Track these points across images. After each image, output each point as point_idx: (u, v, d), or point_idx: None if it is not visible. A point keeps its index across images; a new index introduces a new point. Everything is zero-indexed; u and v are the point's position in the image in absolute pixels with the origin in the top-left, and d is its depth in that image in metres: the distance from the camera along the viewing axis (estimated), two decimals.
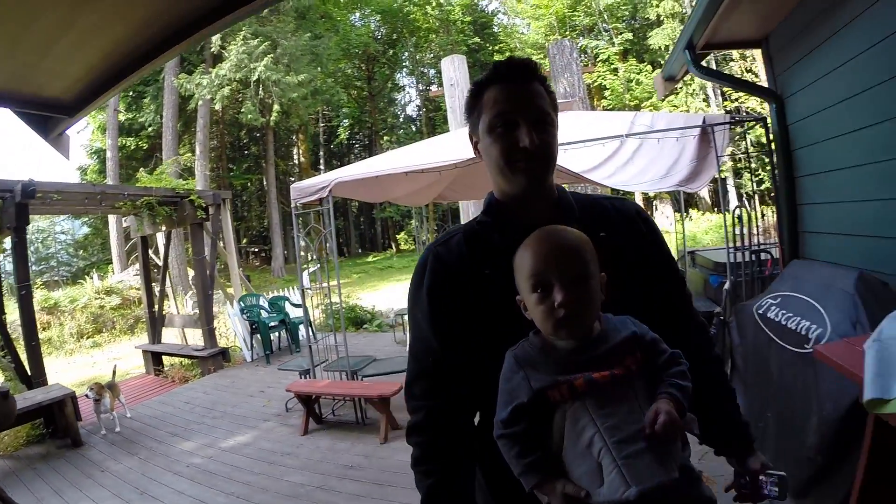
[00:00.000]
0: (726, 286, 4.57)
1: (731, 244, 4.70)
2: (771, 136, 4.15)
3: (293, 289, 10.51)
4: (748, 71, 18.37)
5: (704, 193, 21.39)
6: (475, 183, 7.72)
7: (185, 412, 5.97)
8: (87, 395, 5.30)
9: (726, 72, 17.49)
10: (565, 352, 0.98)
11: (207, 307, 7.98)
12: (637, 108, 21.65)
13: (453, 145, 5.95)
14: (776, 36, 3.84)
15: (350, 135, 34.01)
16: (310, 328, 6.21)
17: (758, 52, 4.55)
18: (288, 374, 6.34)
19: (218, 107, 21.80)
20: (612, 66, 23.40)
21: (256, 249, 31.57)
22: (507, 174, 1.13)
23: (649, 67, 22.66)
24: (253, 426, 5.30)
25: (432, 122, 31.46)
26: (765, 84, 4.21)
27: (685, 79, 5.71)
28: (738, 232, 4.71)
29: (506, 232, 1.15)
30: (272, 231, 25.53)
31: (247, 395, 6.47)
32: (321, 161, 33.01)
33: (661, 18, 21.57)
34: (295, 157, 30.93)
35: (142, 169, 11.56)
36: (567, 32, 25.08)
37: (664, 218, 19.82)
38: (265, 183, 27.07)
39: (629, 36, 24.02)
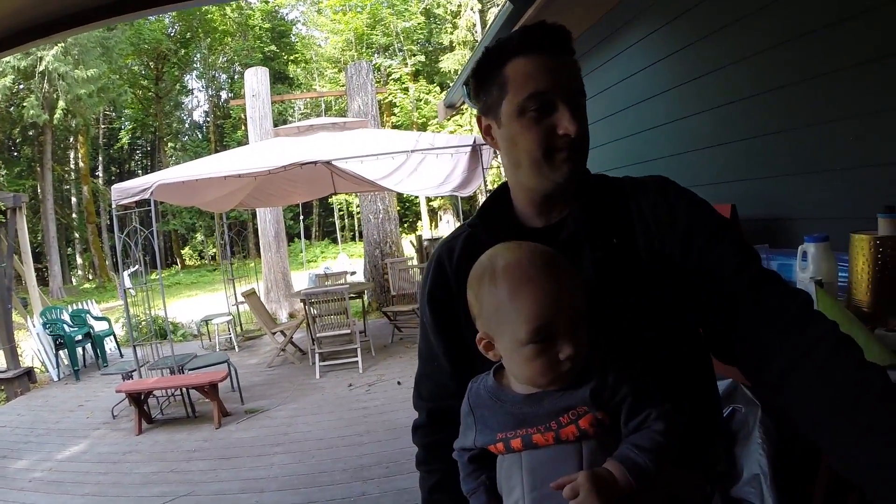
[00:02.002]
0: None
1: None
2: None
3: (91, 301, 9.80)
4: None
5: None
6: (274, 191, 8.27)
7: (5, 435, 5.53)
8: None
9: None
10: (519, 400, 0.82)
11: (7, 324, 7.18)
12: (425, 125, 23.34)
13: (264, 153, 6.54)
14: None
15: (132, 139, 31.00)
16: (132, 331, 6.15)
17: None
18: (107, 383, 6.40)
19: None
20: (404, 86, 24.94)
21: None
22: (544, 168, 0.93)
23: (438, 88, 24.61)
24: (84, 436, 5.17)
25: (220, 129, 29.96)
26: None
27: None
28: None
29: (503, 241, 0.92)
30: (48, 246, 21.90)
31: (66, 410, 6.14)
32: (100, 167, 29.69)
33: (454, 45, 23.52)
34: (72, 161, 27.08)
35: None
36: (364, 50, 26.09)
37: (446, 224, 21.77)
38: (40, 191, 23.11)
39: (422, 58, 25.67)
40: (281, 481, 3.75)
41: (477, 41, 22.24)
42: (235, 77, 29.60)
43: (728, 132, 2.58)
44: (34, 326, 7.93)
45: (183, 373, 5.57)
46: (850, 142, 1.92)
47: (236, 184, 6.80)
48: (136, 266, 6.53)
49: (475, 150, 5.96)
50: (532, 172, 0.96)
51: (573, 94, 0.93)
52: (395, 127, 23.67)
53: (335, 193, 9.66)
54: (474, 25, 22.32)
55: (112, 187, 5.83)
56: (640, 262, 0.94)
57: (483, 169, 6.01)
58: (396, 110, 24.77)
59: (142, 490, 3.87)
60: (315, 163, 5.88)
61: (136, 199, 5.58)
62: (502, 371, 0.87)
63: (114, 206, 5.75)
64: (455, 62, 22.22)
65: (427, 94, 24.60)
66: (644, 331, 0.91)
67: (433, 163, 6.08)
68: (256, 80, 10.83)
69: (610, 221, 0.97)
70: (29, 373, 7.36)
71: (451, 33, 23.62)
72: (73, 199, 27.24)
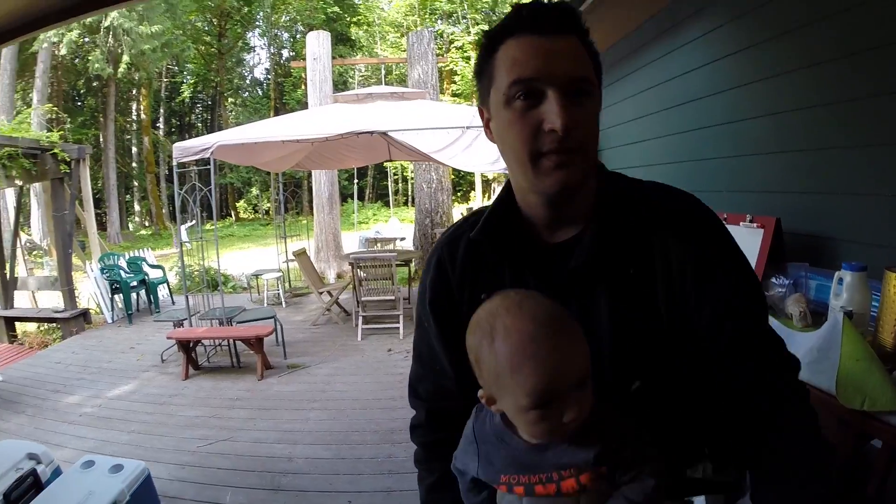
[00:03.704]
0: None
1: None
2: None
3: (147, 249, 10.32)
4: None
5: None
6: (331, 155, 8.45)
7: (60, 371, 5.92)
8: None
9: None
10: (524, 447, 0.81)
11: (67, 267, 7.66)
12: None
13: (323, 119, 6.70)
14: None
15: (193, 93, 31.75)
16: (185, 281, 6.48)
17: None
18: (158, 329, 6.71)
19: (64, 52, 19.43)
20: (466, 55, 24.68)
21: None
22: (530, 171, 0.82)
23: None
24: (133, 377, 5.51)
25: (280, 87, 30.42)
26: None
27: None
28: None
29: (507, 258, 0.91)
30: (108, 193, 23.10)
31: (118, 351, 6.53)
32: (161, 119, 30.65)
33: None
34: (134, 112, 28.06)
35: None
36: (426, 16, 25.85)
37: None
38: (102, 140, 24.23)
39: (485, 27, 25.17)
40: (315, 436, 3.95)
41: None
42: (297, 36, 29.78)
43: (785, 141, 2.51)
44: (92, 271, 8.40)
45: (231, 325, 5.84)
46: None
47: (294, 146, 7.00)
48: (193, 221, 6.84)
49: None
50: (522, 176, 0.85)
51: (569, 80, 0.78)
52: (454, 95, 23.53)
53: (390, 160, 9.79)
54: None
55: (174, 145, 6.09)
56: (657, 302, 0.85)
57: None
58: (457, 79, 24.59)
59: (185, 432, 4.13)
60: (371, 132, 5.99)
61: (197, 157, 5.82)
62: None
63: (175, 163, 6.01)
64: None
65: None
66: (652, 351, 0.85)
67: (488, 140, 6.11)
68: (318, 44, 10.96)
69: (628, 248, 0.86)
70: (84, 314, 7.81)
71: (518, 2, 23.11)
72: (134, 149, 28.29)
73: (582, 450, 0.77)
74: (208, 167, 5.95)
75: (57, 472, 2.68)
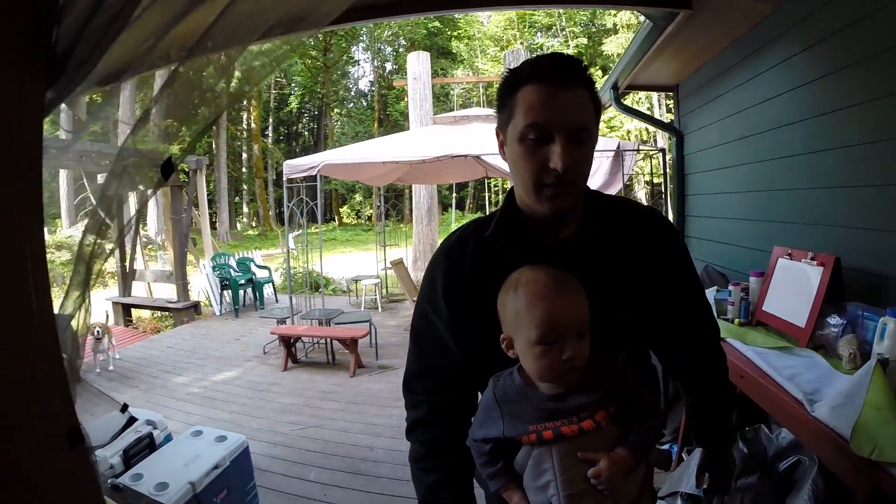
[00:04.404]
0: None
1: None
2: (668, 163, 5.35)
3: (255, 251, 11.26)
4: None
5: None
6: (429, 172, 8.82)
7: (170, 354, 6.68)
8: (95, 333, 5.79)
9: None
10: (544, 398, 0.97)
11: (182, 263, 8.62)
12: None
13: (421, 142, 7.07)
14: (684, 86, 4.90)
15: (300, 104, 33.92)
16: (290, 283, 7.09)
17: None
18: (262, 324, 7.44)
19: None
20: None
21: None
22: (533, 196, 1.01)
23: (600, 72, 23.92)
24: (237, 365, 6.15)
25: (384, 98, 31.73)
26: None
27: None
28: None
29: (519, 252, 1.07)
30: (219, 195, 25.23)
31: (224, 341, 7.24)
32: (269, 128, 32.82)
33: (617, 27, 22.59)
34: (245, 122, 30.38)
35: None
36: (525, 29, 26.01)
37: None
38: (214, 146, 26.47)
39: (584, 40, 25.03)
40: (396, 430, 4.25)
41: (640, 23, 21.16)
42: (400, 50, 30.94)
43: (858, 175, 2.41)
44: (204, 268, 9.34)
45: (330, 325, 6.35)
46: None
47: (394, 164, 7.47)
48: (300, 231, 7.51)
49: (617, 155, 6.03)
50: (526, 196, 1.04)
51: (573, 129, 0.96)
52: None
53: (487, 177, 10.03)
54: None
55: (285, 163, 6.70)
56: (637, 288, 1.09)
57: (623, 175, 6.02)
58: None
59: (280, 416, 4.61)
60: (465, 156, 6.29)
61: (304, 174, 6.41)
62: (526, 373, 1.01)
63: (285, 179, 6.63)
64: (618, 45, 21.40)
65: None
66: (634, 325, 1.12)
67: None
68: (418, 64, 11.50)
69: (614, 241, 1.09)
70: (195, 306, 8.76)
71: (615, 15, 22.70)
72: (244, 156, 30.58)
73: (592, 394, 0.95)
74: (315, 183, 6.53)
75: (169, 438, 3.23)
